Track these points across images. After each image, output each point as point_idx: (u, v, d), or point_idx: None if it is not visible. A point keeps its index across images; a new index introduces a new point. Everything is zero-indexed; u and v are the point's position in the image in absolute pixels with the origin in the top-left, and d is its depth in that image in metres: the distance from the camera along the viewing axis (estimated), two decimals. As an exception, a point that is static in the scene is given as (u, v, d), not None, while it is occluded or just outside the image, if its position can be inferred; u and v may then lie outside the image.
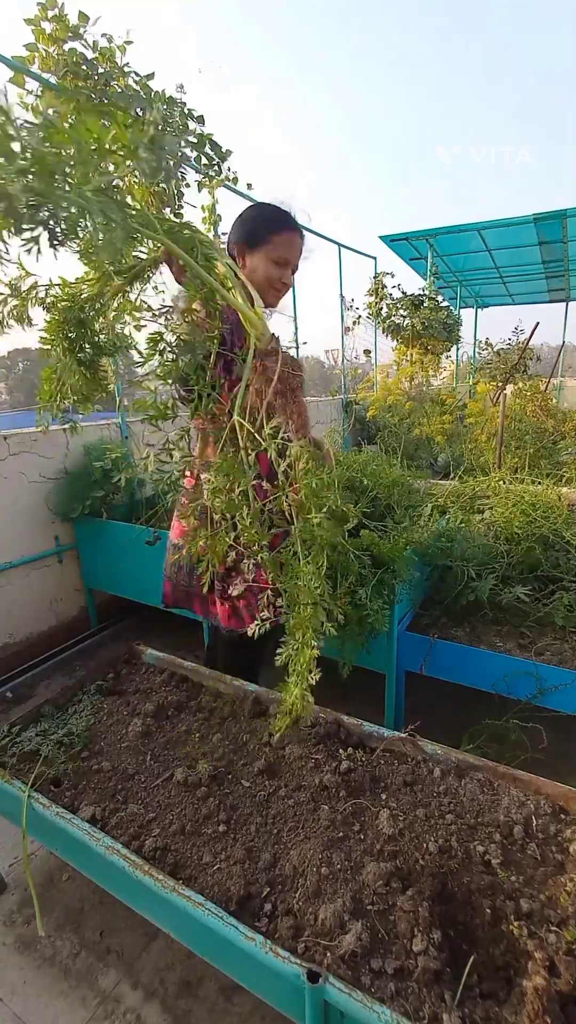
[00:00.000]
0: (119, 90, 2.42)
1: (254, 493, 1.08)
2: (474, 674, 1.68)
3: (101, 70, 2.36)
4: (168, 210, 2.80)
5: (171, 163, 0.89)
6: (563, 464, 4.19)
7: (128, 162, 0.88)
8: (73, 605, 2.78)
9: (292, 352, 4.73)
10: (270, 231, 1.41)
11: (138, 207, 1.00)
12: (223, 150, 3.01)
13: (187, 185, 2.88)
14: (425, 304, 6.04)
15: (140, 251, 1.17)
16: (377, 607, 1.50)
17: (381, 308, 6.18)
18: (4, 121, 0.67)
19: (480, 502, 2.31)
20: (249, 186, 3.54)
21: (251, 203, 1.54)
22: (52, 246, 0.79)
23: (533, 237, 6.39)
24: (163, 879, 0.97)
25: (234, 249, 1.44)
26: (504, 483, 2.56)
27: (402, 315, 6.13)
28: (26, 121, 0.71)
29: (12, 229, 0.72)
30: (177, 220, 1.19)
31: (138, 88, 2.52)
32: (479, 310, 10.65)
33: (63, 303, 1.18)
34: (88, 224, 0.79)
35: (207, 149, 2.95)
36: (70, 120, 0.79)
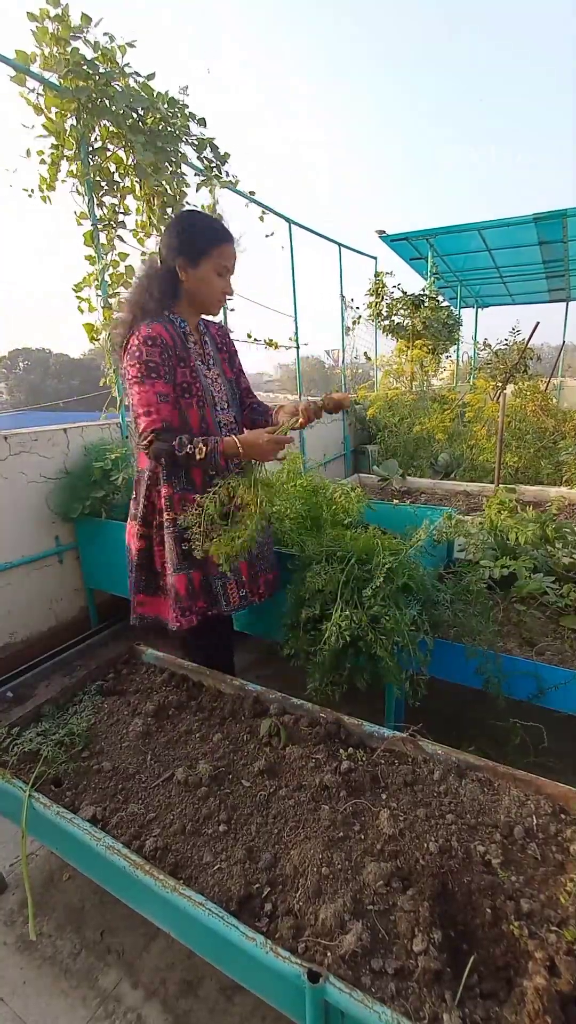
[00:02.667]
0: (119, 90, 2.42)
1: None
2: (473, 674, 1.68)
3: (102, 70, 2.36)
4: (170, 209, 2.80)
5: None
6: (563, 464, 4.20)
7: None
8: (73, 605, 2.78)
9: (292, 351, 4.75)
10: (212, 244, 1.47)
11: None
12: (222, 153, 3.03)
13: (187, 186, 2.89)
14: (425, 304, 6.04)
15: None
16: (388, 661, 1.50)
17: (381, 309, 6.18)
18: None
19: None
20: (252, 192, 3.55)
21: (189, 211, 1.62)
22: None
23: (533, 237, 6.39)
24: (164, 879, 0.97)
25: (174, 261, 1.48)
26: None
27: (402, 315, 6.13)
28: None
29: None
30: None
31: (139, 89, 2.52)
32: (479, 310, 10.66)
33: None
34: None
35: (207, 152, 2.96)
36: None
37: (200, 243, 1.47)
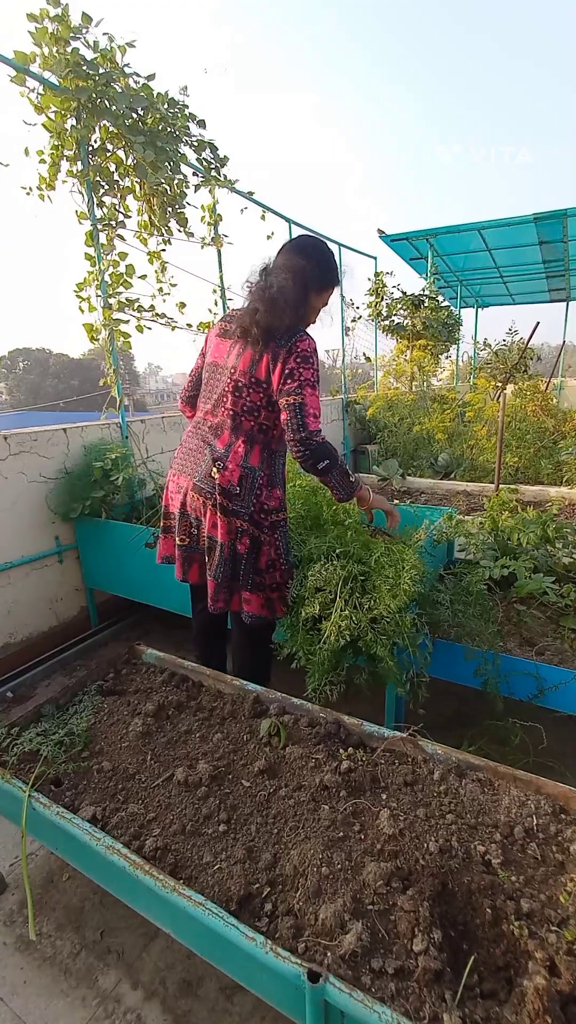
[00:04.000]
0: (119, 90, 2.42)
1: None
2: (473, 674, 1.68)
3: (102, 70, 2.36)
4: (170, 209, 2.80)
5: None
6: (563, 464, 4.20)
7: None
8: (73, 605, 2.78)
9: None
10: (334, 285, 1.71)
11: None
12: (221, 156, 3.03)
13: (187, 186, 2.89)
14: (425, 304, 6.04)
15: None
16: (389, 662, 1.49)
17: (381, 308, 6.18)
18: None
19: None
20: (251, 193, 3.56)
21: (314, 238, 1.73)
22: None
23: (533, 237, 6.40)
24: (163, 879, 0.97)
25: (312, 284, 1.61)
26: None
27: (402, 314, 6.13)
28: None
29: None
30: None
31: (139, 89, 2.52)
32: (479, 310, 10.66)
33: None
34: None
35: (207, 153, 2.97)
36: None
37: (329, 277, 1.67)
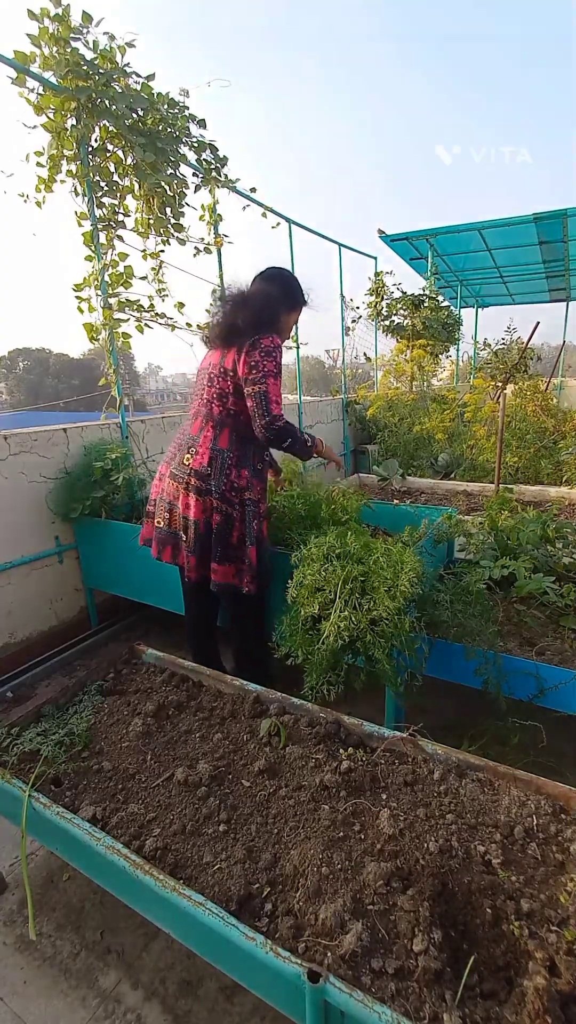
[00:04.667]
0: (119, 90, 2.42)
1: None
2: (473, 674, 1.68)
3: (102, 70, 2.35)
4: (169, 210, 2.80)
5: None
6: (563, 464, 4.20)
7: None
8: (73, 605, 2.78)
9: (291, 351, 4.74)
10: (301, 305, 1.96)
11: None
12: (221, 156, 3.03)
13: (187, 187, 2.88)
14: (425, 304, 6.03)
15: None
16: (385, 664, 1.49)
17: (381, 308, 6.18)
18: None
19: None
20: (253, 190, 3.56)
21: (282, 269, 1.98)
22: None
23: (533, 237, 6.39)
24: (163, 879, 0.97)
25: (282, 306, 1.86)
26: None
27: (402, 314, 6.13)
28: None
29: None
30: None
31: (139, 89, 2.52)
32: (479, 310, 10.66)
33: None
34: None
35: (207, 154, 2.96)
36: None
37: (295, 299, 1.93)
